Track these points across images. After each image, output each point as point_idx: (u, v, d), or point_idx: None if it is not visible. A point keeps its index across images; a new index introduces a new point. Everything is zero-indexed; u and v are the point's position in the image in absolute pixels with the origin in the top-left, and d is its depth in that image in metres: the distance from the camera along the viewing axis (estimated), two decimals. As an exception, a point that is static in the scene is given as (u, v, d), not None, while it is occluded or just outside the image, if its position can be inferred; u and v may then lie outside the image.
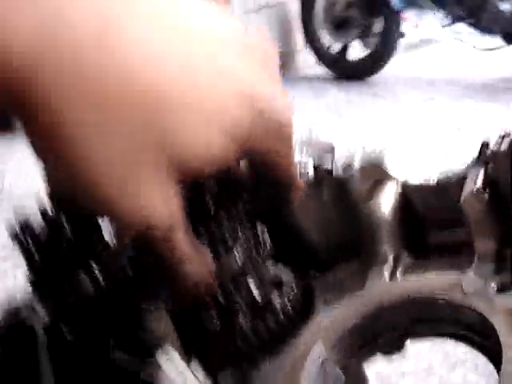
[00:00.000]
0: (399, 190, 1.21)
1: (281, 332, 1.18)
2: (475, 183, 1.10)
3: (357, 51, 8.62)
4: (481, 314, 0.96)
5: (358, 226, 1.27)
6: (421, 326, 1.06)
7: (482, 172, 1.11)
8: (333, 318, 1.10)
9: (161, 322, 1.10)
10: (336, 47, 8.69)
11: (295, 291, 1.20)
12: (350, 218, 1.29)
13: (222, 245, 1.10)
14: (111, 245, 1.04)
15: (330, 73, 8.64)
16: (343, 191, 1.28)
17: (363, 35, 8.28)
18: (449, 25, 7.69)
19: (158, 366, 0.95)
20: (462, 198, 1.09)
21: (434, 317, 1.04)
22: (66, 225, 1.03)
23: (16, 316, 1.31)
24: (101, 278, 1.13)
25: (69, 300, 1.12)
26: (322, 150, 1.74)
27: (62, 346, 1.15)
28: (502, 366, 0.88)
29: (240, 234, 1.13)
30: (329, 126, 7.19)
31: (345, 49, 8.59)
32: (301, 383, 1.00)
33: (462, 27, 7.76)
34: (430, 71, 8.33)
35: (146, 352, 1.00)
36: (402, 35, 7.97)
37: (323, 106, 7.77)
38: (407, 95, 7.62)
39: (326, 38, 8.69)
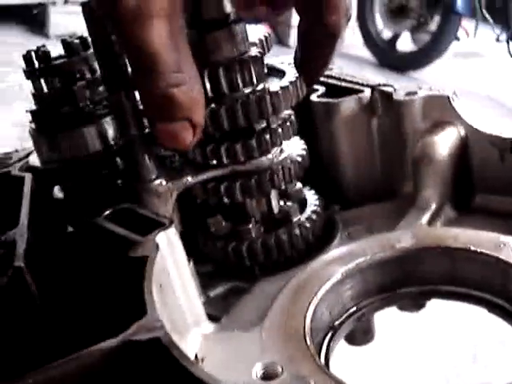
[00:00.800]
0: (462, 134, 1.07)
1: (291, 250, 1.04)
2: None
3: (404, 45, 8.39)
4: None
5: (404, 162, 1.12)
6: (454, 286, 0.92)
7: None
8: (356, 247, 0.96)
9: (167, 205, 0.96)
10: (386, 35, 8.46)
11: (318, 214, 1.07)
12: (398, 151, 1.13)
13: (258, 144, 0.97)
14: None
15: (372, 58, 8.42)
16: (399, 119, 1.13)
17: (417, 29, 8.04)
18: (504, 41, 7.47)
19: (156, 245, 0.82)
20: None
21: (474, 276, 0.90)
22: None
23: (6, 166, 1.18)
24: (110, 137, 1.00)
25: (67, 153, 0.99)
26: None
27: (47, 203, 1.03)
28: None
29: (281, 134, 0.99)
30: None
31: (395, 38, 8.36)
32: (307, 301, 0.86)
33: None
34: (472, 83, 8.11)
35: (144, 227, 0.87)
36: (457, 39, 7.75)
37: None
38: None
39: (380, 23, 8.45)
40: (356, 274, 0.92)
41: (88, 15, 0.84)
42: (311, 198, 1.10)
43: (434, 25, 7.97)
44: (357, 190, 1.20)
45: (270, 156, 0.98)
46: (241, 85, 0.94)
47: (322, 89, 1.22)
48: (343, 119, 1.16)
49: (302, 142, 1.06)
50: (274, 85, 0.95)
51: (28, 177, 1.05)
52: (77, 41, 0.96)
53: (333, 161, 1.20)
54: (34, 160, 1.03)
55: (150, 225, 0.85)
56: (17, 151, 1.29)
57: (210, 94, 0.93)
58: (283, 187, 1.01)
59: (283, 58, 1.26)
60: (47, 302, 0.80)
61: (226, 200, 0.99)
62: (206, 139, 0.95)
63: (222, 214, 1.05)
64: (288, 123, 0.99)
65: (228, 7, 0.92)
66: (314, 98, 1.18)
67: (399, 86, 1.15)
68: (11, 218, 1.02)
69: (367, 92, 1.16)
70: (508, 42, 7.67)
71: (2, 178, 1.17)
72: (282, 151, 1.01)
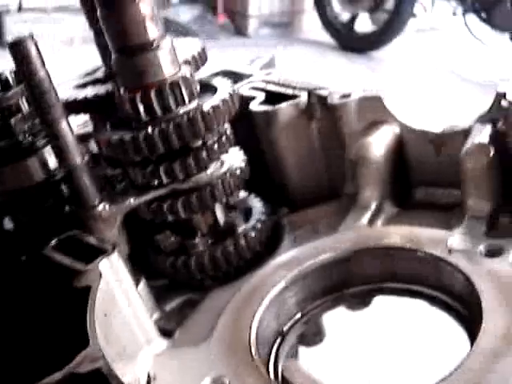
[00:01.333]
0: (396, 132, 1.10)
1: (238, 260, 1.07)
2: (480, 136, 0.99)
3: (362, 26, 8.42)
4: (465, 275, 0.86)
5: (342, 166, 1.15)
6: (395, 282, 0.96)
7: (489, 127, 1.00)
8: (300, 255, 0.99)
9: (113, 228, 0.99)
10: (344, 17, 8.49)
11: (263, 222, 1.09)
12: (338, 153, 1.16)
13: (195, 162, 0.99)
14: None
15: (333, 42, 8.44)
16: (335, 122, 1.15)
17: (373, 9, 8.07)
18: (461, 14, 7.55)
19: (99, 273, 0.85)
20: (465, 149, 0.99)
21: (412, 272, 0.94)
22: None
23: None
24: (52, 167, 1.01)
25: (11, 183, 1.00)
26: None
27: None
28: (479, 334, 0.78)
29: (217, 150, 1.02)
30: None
31: (353, 20, 8.39)
32: (253, 312, 0.89)
33: (472, 20, 7.61)
34: (433, 59, 8.18)
35: (89, 257, 0.89)
36: (413, 15, 7.79)
37: (319, 71, 7.62)
38: (403, 76, 7.50)
39: (336, 6, 8.47)
40: (299, 279, 0.96)
41: (15, 54, 0.86)
42: (257, 205, 1.13)
43: (390, 3, 8.03)
44: (303, 192, 1.23)
45: (208, 172, 1.01)
46: (173, 106, 0.96)
47: (260, 96, 1.25)
48: (283, 125, 1.18)
49: (241, 152, 1.09)
50: (206, 104, 0.97)
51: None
52: (10, 75, 0.97)
53: (277, 166, 1.23)
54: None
55: (94, 252, 0.87)
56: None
57: (144, 117, 0.96)
58: (225, 200, 1.04)
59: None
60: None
61: (170, 218, 1.01)
62: (145, 161, 0.98)
63: (169, 229, 1.07)
64: (224, 138, 1.02)
65: (153, 32, 0.93)
66: (253, 106, 1.21)
67: (335, 88, 1.18)
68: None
69: (304, 96, 1.19)
70: (464, 15, 7.76)
71: None
72: (221, 164, 1.04)
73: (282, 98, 1.22)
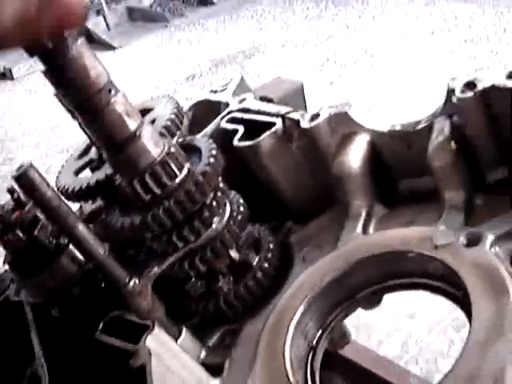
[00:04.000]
0: (368, 140, 1.21)
1: (261, 290, 1.21)
2: (442, 134, 1.10)
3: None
4: (450, 267, 0.99)
5: (328, 180, 1.28)
6: (395, 280, 1.09)
7: (448, 123, 1.11)
8: (309, 275, 1.13)
9: (147, 297, 1.13)
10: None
11: (273, 249, 1.23)
12: (320, 171, 1.29)
13: (201, 222, 1.12)
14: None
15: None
16: (312, 142, 1.28)
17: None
18: None
19: (147, 350, 0.99)
20: (429, 150, 1.10)
21: (406, 270, 1.07)
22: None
23: (3, 290, 1.33)
24: (81, 259, 1.15)
25: (50, 284, 1.14)
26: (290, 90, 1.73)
27: (50, 324, 1.19)
28: (473, 315, 0.91)
29: (216, 206, 1.14)
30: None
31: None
32: (283, 338, 1.03)
33: None
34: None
35: (135, 334, 1.04)
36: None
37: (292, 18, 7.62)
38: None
39: None
40: (315, 299, 1.09)
41: (23, 186, 0.98)
42: (263, 234, 1.26)
43: None
44: (301, 204, 1.36)
45: (213, 226, 1.13)
46: (168, 182, 1.08)
47: (241, 128, 1.36)
48: (267, 153, 1.30)
49: (238, 196, 1.21)
50: (196, 173, 1.08)
51: (26, 303, 1.21)
52: (22, 193, 1.10)
53: (273, 187, 1.36)
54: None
55: (138, 329, 1.02)
56: (6, 271, 1.44)
57: (146, 198, 1.08)
58: (235, 244, 1.18)
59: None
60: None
61: (192, 273, 1.15)
62: (159, 233, 1.11)
63: (195, 277, 1.22)
64: (219, 193, 1.14)
65: (133, 124, 1.04)
66: (236, 142, 1.32)
67: (303, 111, 1.29)
68: (20, 344, 1.19)
69: (279, 123, 1.30)
70: None
71: (1, 304, 1.33)
72: (223, 215, 1.16)
73: (260, 125, 1.34)
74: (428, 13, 7.14)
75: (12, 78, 8.17)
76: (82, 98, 0.96)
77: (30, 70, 7.90)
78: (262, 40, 7.65)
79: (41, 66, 0.95)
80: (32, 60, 8.06)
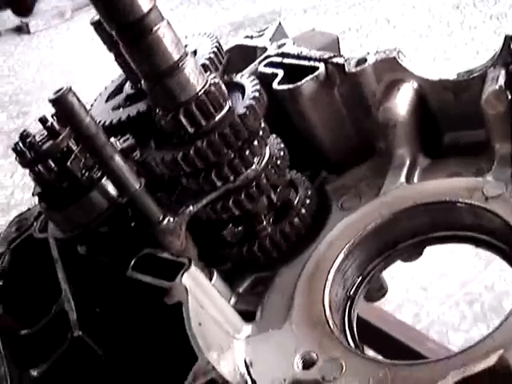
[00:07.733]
0: (416, 87, 1.16)
1: (296, 236, 1.17)
2: (496, 83, 1.05)
3: None
4: (502, 218, 0.95)
5: (369, 129, 1.23)
6: (441, 231, 1.05)
7: (503, 72, 1.06)
8: (351, 222, 1.08)
9: (180, 237, 1.09)
10: None
11: (310, 197, 1.19)
12: (361, 120, 1.24)
13: (241, 162, 1.07)
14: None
15: None
16: (356, 88, 1.23)
17: None
18: None
19: (184, 288, 0.95)
20: (483, 97, 1.05)
21: (454, 221, 1.03)
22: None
23: (27, 228, 1.30)
24: (113, 193, 1.11)
25: (79, 218, 1.10)
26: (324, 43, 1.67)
27: (76, 261, 1.15)
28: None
29: (258, 145, 1.10)
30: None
31: None
32: (322, 285, 1.00)
33: None
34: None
35: (167, 272, 1.00)
36: None
37: None
38: None
39: None
40: (355, 248, 1.05)
41: (60, 110, 0.94)
42: (299, 180, 1.22)
43: None
44: (338, 155, 1.31)
45: (253, 167, 1.09)
46: (214, 113, 1.03)
47: (280, 72, 1.31)
48: (307, 98, 1.25)
49: (278, 140, 1.16)
50: (240, 107, 1.04)
51: (52, 240, 1.18)
52: (54, 121, 1.06)
53: (310, 135, 1.31)
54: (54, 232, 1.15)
55: (173, 267, 0.98)
56: (29, 209, 1.41)
57: (189, 129, 1.04)
58: (273, 188, 1.13)
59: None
60: (109, 360, 0.95)
61: (224, 216, 1.11)
62: (197, 171, 1.06)
63: (231, 222, 1.18)
64: (261, 132, 1.09)
65: (176, 54, 1.00)
66: (275, 85, 1.27)
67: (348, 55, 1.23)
68: (45, 281, 1.16)
69: (322, 68, 1.24)
70: None
71: (26, 242, 1.30)
72: (264, 156, 1.12)
73: (301, 70, 1.28)
74: (454, -15, 6.98)
75: (28, 32, 8.07)
76: (129, 20, 0.92)
77: (47, 25, 7.79)
78: (283, 5, 7.51)
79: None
80: (49, 14, 8.02)
